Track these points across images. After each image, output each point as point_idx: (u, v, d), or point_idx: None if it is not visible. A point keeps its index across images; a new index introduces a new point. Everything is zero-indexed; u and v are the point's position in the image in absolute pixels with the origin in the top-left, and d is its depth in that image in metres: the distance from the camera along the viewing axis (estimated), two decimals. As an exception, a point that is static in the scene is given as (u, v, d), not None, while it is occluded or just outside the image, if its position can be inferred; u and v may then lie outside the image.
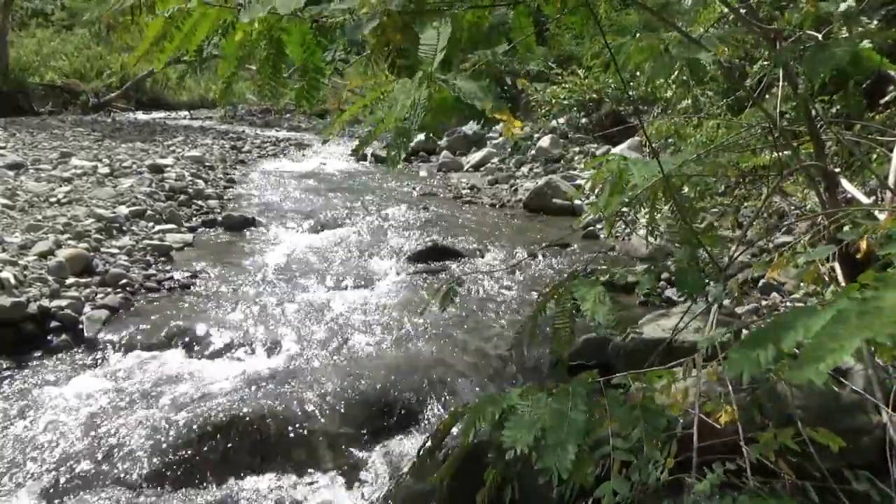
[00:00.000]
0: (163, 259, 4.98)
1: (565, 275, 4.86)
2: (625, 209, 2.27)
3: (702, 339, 1.64)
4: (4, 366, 3.38)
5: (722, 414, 1.57)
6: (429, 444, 1.68)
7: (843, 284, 2.45)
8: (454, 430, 1.71)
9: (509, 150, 9.64)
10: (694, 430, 1.47)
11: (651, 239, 2.26)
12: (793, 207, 4.44)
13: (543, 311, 1.96)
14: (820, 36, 2.02)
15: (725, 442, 1.54)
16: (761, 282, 3.89)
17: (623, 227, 5.54)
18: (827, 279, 2.56)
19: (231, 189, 7.90)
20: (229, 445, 2.83)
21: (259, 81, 1.70)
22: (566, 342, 1.85)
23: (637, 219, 2.33)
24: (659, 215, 2.23)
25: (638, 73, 7.31)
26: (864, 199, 2.94)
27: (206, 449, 2.79)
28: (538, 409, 1.38)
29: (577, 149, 8.93)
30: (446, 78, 1.42)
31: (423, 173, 9.72)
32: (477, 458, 1.54)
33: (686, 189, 2.54)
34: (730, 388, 1.65)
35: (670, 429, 1.48)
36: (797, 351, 0.84)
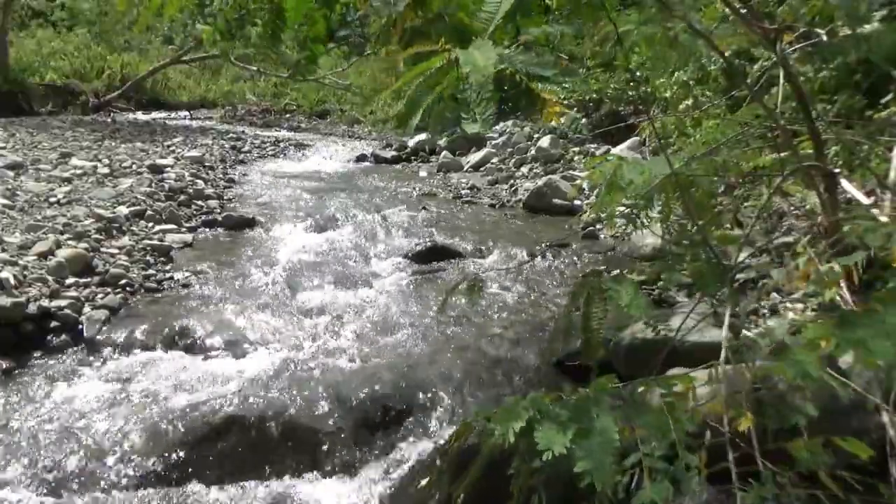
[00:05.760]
0: (163, 259, 4.97)
1: (579, 274, 4.83)
2: (622, 208, 2.25)
3: (730, 343, 1.60)
4: (4, 366, 3.38)
5: (741, 421, 1.52)
6: (446, 458, 1.64)
7: (843, 286, 2.45)
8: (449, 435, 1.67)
9: (559, 131, 9.31)
10: (726, 438, 1.42)
11: (657, 236, 2.24)
12: (792, 207, 4.43)
13: (576, 309, 1.88)
14: (823, 33, 2.02)
15: (742, 448, 1.49)
16: (761, 282, 3.88)
17: (624, 226, 5.53)
18: (826, 280, 2.55)
19: (231, 189, 7.89)
20: (229, 445, 2.83)
21: (258, 50, 1.67)
22: (599, 344, 1.78)
23: (641, 218, 2.30)
24: (656, 213, 2.21)
25: (638, 73, 7.31)
26: (864, 199, 2.94)
27: (206, 449, 2.79)
28: (564, 416, 1.34)
29: (576, 149, 8.92)
30: (503, 54, 1.41)
31: (423, 173, 9.72)
32: (492, 467, 1.50)
33: (693, 188, 2.53)
34: (743, 393, 1.61)
35: (698, 436, 1.43)
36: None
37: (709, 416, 1.50)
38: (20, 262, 4.13)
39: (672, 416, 1.33)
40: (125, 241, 5.07)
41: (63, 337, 3.68)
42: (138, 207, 5.84)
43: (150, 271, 4.65)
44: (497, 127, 10.43)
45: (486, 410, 1.50)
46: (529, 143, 9.61)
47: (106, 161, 7.86)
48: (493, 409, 1.49)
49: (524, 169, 8.95)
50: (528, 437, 1.33)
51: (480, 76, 1.32)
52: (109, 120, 13.57)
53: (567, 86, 9.94)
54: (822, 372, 1.09)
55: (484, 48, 1.38)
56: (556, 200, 7.04)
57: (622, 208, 2.23)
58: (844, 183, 2.70)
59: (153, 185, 6.78)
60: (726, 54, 3.57)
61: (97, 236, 4.92)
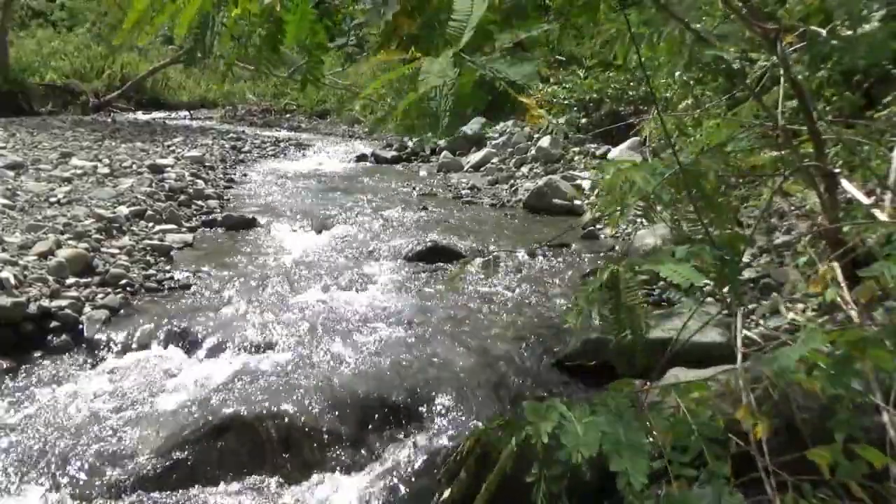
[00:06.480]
0: (163, 259, 4.97)
1: (579, 274, 4.82)
2: (622, 207, 2.24)
3: (764, 359, 1.55)
4: (4, 366, 3.38)
5: (758, 427, 1.49)
6: (460, 466, 1.60)
7: (843, 285, 2.45)
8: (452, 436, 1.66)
9: (557, 131, 9.28)
10: (755, 443, 1.39)
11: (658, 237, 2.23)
12: (793, 207, 4.43)
13: (598, 290, 1.70)
14: (824, 32, 2.02)
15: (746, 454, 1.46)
16: (761, 282, 3.88)
17: (629, 225, 5.53)
18: (828, 279, 2.55)
19: (231, 189, 7.90)
20: (229, 445, 2.83)
21: (258, 59, 1.66)
22: (641, 325, 1.62)
23: (650, 215, 2.27)
24: (659, 213, 2.20)
25: (638, 74, 7.31)
26: (864, 199, 2.93)
27: (205, 449, 2.79)
28: (588, 420, 1.32)
29: (576, 149, 8.92)
30: (474, 59, 1.38)
31: (423, 173, 9.72)
32: (506, 476, 1.46)
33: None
34: (751, 397, 1.58)
35: (721, 443, 1.39)
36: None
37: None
38: (20, 261, 4.13)
39: (697, 424, 1.31)
40: (125, 241, 5.07)
41: (63, 337, 3.68)
42: (138, 207, 5.85)
43: (151, 271, 4.66)
44: (497, 127, 10.44)
45: (498, 418, 1.47)
46: (529, 143, 9.61)
47: (106, 161, 7.86)
48: (504, 416, 1.45)
49: (524, 169, 8.95)
50: (551, 443, 1.30)
51: (433, 85, 1.32)
52: (109, 120, 13.58)
53: (567, 86, 9.97)
54: (860, 391, 1.08)
55: (443, 58, 1.37)
56: (557, 200, 7.04)
57: (621, 208, 2.22)
58: (844, 183, 2.70)
59: (153, 185, 6.79)
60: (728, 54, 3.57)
61: (97, 236, 4.92)
